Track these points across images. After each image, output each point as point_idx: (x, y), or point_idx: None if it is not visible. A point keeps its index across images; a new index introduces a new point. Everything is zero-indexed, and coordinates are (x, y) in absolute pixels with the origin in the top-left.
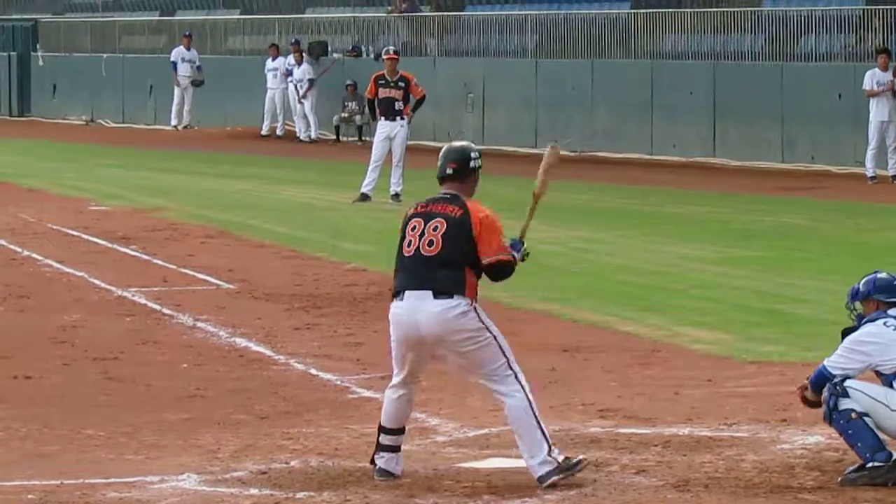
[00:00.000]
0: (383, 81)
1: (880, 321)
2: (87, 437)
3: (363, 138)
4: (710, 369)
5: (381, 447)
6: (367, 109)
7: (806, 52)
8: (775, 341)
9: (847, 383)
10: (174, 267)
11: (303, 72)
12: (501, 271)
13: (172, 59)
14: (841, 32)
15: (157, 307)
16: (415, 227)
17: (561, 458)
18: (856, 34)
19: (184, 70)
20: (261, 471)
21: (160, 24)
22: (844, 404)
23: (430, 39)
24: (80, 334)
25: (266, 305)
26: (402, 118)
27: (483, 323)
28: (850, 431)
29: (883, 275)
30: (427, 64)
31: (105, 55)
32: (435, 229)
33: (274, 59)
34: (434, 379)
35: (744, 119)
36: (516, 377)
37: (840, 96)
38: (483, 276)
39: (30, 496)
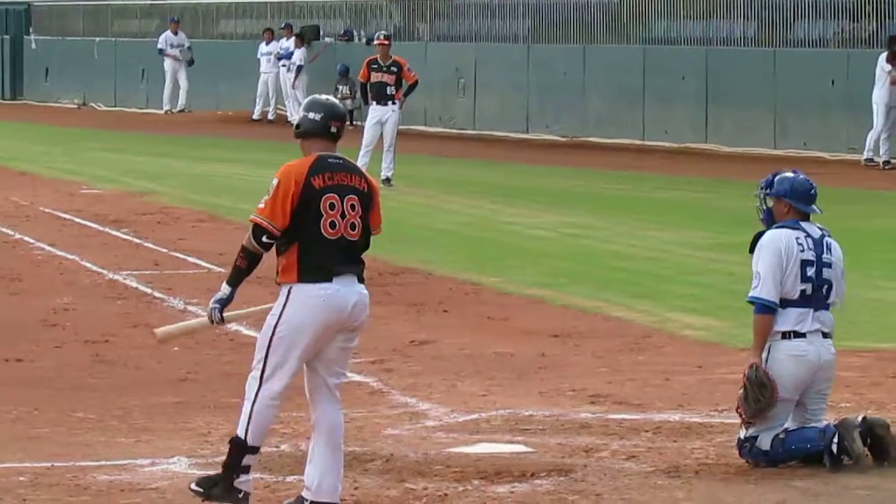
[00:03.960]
0: (376, 66)
1: (785, 232)
2: (78, 419)
3: (354, 123)
4: (701, 355)
5: (244, 469)
6: (358, 94)
7: (799, 37)
8: None
9: (751, 434)
10: (165, 250)
11: (300, 55)
12: None
13: (160, 45)
14: (834, 18)
15: (149, 290)
16: (333, 206)
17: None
18: (849, 20)
19: (172, 55)
20: None
21: (152, 7)
22: (764, 442)
23: (422, 24)
24: (71, 317)
25: (257, 289)
26: (394, 103)
27: None
28: (793, 448)
29: (802, 177)
30: (419, 48)
31: (98, 39)
32: (353, 209)
33: (268, 44)
34: (425, 364)
35: (736, 105)
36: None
37: (833, 82)
38: None
39: (20, 478)
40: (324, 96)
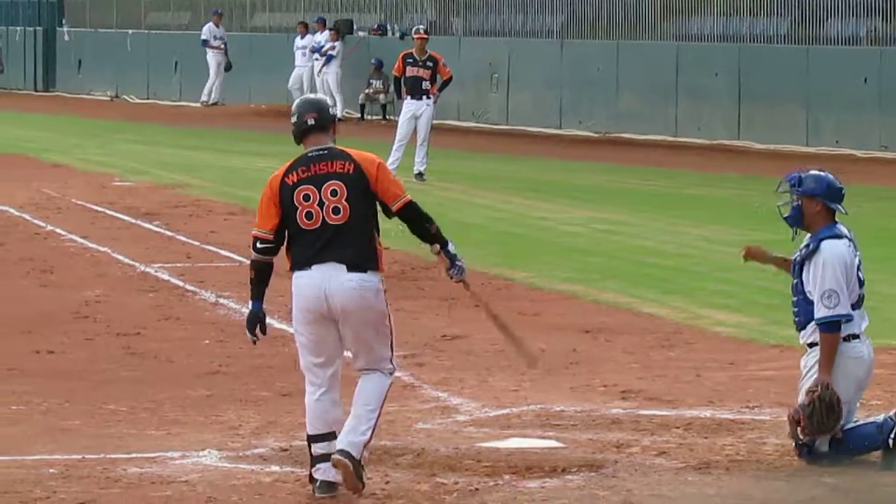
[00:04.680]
0: (411, 60)
1: (841, 242)
2: (109, 412)
3: (388, 117)
4: (733, 352)
5: (316, 458)
6: (391, 88)
7: (831, 35)
8: None
9: (808, 442)
10: (197, 243)
11: (338, 48)
12: (417, 214)
13: (204, 36)
14: (867, 16)
15: (180, 283)
16: (308, 197)
17: (364, 457)
18: (882, 18)
19: (216, 47)
20: (282, 448)
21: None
22: (823, 445)
23: (455, 19)
24: (102, 310)
25: (288, 283)
26: (429, 97)
27: (387, 310)
28: (851, 447)
29: (832, 176)
30: (452, 43)
31: (131, 31)
32: (334, 194)
33: (302, 37)
34: (456, 359)
35: (769, 102)
36: (392, 371)
37: (866, 80)
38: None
39: (51, 470)
40: (306, 96)
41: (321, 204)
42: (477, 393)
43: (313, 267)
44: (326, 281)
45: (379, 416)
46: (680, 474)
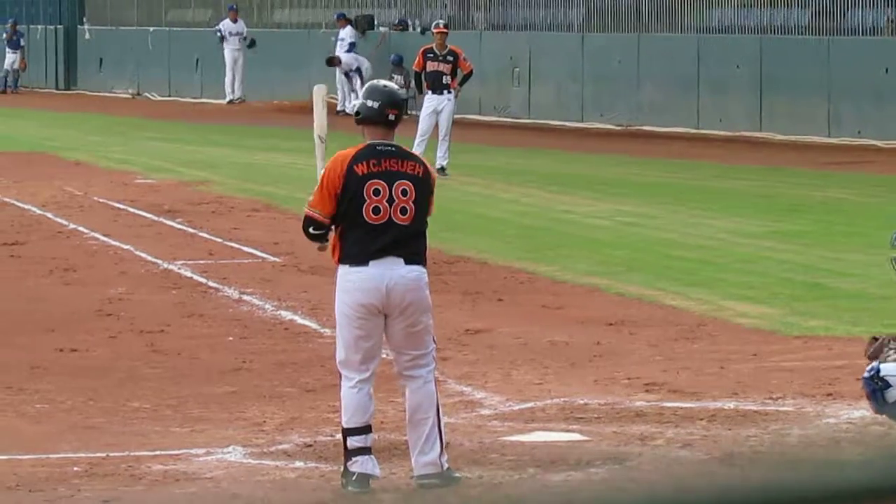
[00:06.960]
0: (431, 55)
1: None
2: (133, 409)
3: (409, 112)
4: (756, 343)
5: (353, 451)
6: (413, 83)
7: (852, 25)
8: (821, 316)
9: (884, 373)
10: (220, 240)
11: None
12: None
13: (220, 31)
14: (888, 6)
15: (203, 280)
16: (378, 191)
17: (446, 466)
18: None
19: (232, 43)
20: (306, 444)
21: None
22: (893, 395)
23: (476, 13)
24: (125, 307)
25: (312, 278)
26: (450, 92)
27: (430, 303)
28: None
29: None
30: (474, 37)
31: (152, 29)
32: (404, 193)
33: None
34: (480, 352)
35: (790, 93)
36: (434, 368)
37: (887, 70)
38: None
39: (75, 468)
40: (382, 82)
41: (390, 201)
42: (501, 387)
43: (370, 263)
44: (387, 275)
45: (440, 420)
46: (704, 466)
